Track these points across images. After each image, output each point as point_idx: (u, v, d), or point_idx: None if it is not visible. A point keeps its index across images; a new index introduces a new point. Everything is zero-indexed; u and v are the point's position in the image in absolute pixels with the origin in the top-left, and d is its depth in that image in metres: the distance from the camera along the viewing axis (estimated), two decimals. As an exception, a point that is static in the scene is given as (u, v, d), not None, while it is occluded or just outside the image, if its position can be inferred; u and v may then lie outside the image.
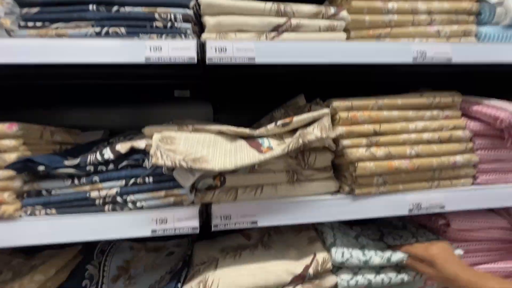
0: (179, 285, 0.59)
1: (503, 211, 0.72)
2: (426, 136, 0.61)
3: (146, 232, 0.53)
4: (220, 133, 0.60)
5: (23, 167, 0.51)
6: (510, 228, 0.70)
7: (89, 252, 0.73)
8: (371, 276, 0.62)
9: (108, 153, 0.54)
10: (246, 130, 0.59)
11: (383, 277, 0.62)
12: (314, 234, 0.69)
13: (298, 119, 0.57)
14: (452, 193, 0.62)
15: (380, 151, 0.58)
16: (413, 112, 0.61)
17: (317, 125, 0.55)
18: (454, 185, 0.63)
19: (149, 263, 0.76)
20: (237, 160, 0.52)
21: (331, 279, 0.60)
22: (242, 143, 0.58)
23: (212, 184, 0.57)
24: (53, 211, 0.53)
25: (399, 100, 0.61)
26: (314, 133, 0.53)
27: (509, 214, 0.72)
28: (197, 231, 0.54)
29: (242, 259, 0.64)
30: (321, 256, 0.61)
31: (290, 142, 0.52)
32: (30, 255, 0.71)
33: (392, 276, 0.63)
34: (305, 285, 0.59)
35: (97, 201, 0.54)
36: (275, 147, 0.54)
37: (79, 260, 0.71)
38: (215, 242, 0.76)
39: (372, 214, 0.59)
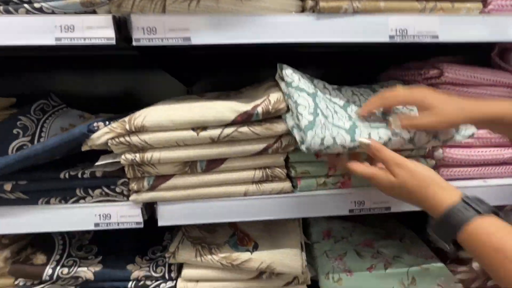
0: (102, 123, 0.51)
1: (505, 63, 0.58)
2: None
3: (48, 39, 0.43)
4: None
5: None
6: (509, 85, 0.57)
7: (25, 107, 0.66)
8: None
9: None
10: None
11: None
12: (275, 83, 0.58)
13: None
14: (451, 19, 0.48)
15: None
16: None
17: None
18: (457, 10, 0.48)
19: (96, 126, 0.69)
20: None
21: (284, 123, 0.51)
22: None
23: (133, -12, 0.44)
24: None
25: None
26: None
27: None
28: (113, 41, 0.44)
29: (185, 101, 0.54)
30: (274, 96, 0.50)
31: None
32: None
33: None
34: (252, 126, 0.50)
35: (-16, -1, 0.43)
36: None
37: (13, 112, 0.64)
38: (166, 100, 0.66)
39: (340, 38, 0.46)
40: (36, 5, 0.43)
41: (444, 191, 0.39)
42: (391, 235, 0.83)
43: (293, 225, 0.68)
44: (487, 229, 0.35)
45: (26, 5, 0.43)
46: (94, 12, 0.44)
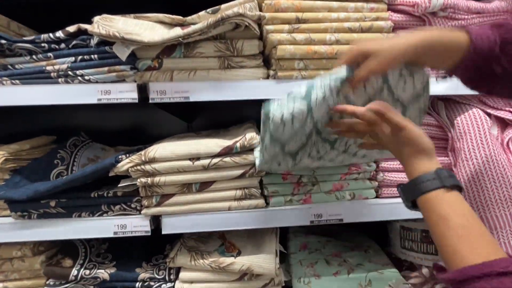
0: (125, 155, 0.69)
1: (432, 110, 0.77)
2: (347, 24, 0.66)
3: (92, 100, 0.63)
4: (160, 22, 0.67)
5: (-11, 40, 0.61)
6: (436, 125, 0.76)
7: (62, 143, 0.85)
8: None
9: (59, 33, 0.63)
10: (181, 17, 0.66)
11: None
12: (252, 125, 0.77)
13: (226, 5, 0.63)
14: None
15: (300, 36, 0.64)
16: (337, 2, 0.66)
17: (238, 6, 0.61)
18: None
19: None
20: (164, 35, 0.60)
21: (256, 154, 0.69)
22: (177, 28, 0.65)
23: (151, 65, 0.65)
24: (18, 81, 0.64)
25: (324, -9, 0.65)
26: (232, 9, 0.59)
27: (437, 113, 0.77)
28: (136, 101, 0.64)
29: (185, 139, 0.73)
30: (250, 134, 0.69)
31: (211, 19, 0.59)
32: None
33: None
34: (233, 157, 0.68)
35: (52, 74, 0.64)
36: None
37: (53, 147, 0.83)
38: (171, 137, 0.86)
39: (293, 96, 0.66)
40: (86, 77, 0.64)
41: (425, 161, 0.43)
42: (358, 247, 0.97)
43: (271, 236, 0.83)
44: (442, 199, 0.39)
45: (79, 78, 0.64)
46: (124, 81, 0.65)
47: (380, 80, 0.50)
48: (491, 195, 0.65)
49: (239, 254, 0.77)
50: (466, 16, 0.66)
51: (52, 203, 0.67)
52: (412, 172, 0.44)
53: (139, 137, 1.09)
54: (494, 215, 0.65)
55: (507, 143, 0.71)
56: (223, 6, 0.64)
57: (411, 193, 0.43)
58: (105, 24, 0.59)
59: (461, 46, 0.46)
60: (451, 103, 0.77)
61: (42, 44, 0.63)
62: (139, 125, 1.09)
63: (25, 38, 0.62)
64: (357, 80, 0.47)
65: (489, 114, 0.73)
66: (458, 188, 0.42)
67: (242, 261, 0.73)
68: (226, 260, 0.73)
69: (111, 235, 0.69)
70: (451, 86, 0.71)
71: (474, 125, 0.69)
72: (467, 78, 0.50)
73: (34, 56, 0.63)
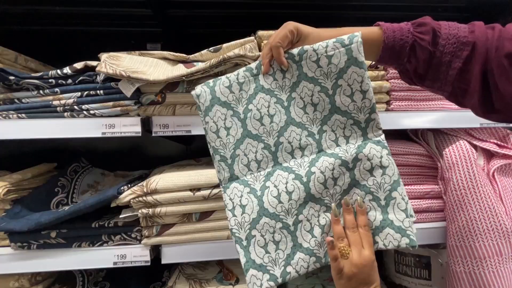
0: (127, 186, 0.71)
1: (422, 140, 0.81)
2: (341, 63, 0.70)
3: (97, 134, 0.65)
4: (164, 58, 0.71)
5: (-3, 76, 0.63)
6: (426, 155, 0.79)
7: (63, 170, 0.86)
8: None
9: (66, 69, 0.65)
10: (184, 55, 0.70)
11: None
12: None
13: (227, 44, 0.67)
14: (364, 115, 0.71)
15: (297, 74, 0.68)
16: (331, 43, 0.70)
17: (239, 48, 0.65)
18: (368, 109, 0.72)
19: (115, 183, 0.89)
20: (168, 74, 0.63)
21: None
22: (180, 65, 0.68)
23: (154, 99, 0.68)
24: (24, 115, 0.66)
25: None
26: (233, 51, 0.62)
27: (427, 143, 0.81)
28: (139, 134, 0.66)
29: (186, 169, 0.75)
30: (248, 165, 0.71)
31: (213, 59, 0.63)
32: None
33: None
34: (232, 187, 0.70)
35: (58, 108, 0.66)
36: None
37: (54, 174, 0.84)
38: (171, 165, 0.87)
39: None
40: (91, 111, 0.66)
41: None
42: (354, 271, 0.98)
43: (269, 263, 0.85)
44: None
45: (84, 112, 0.66)
46: (127, 114, 0.67)
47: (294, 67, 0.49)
48: (479, 225, 0.68)
49: (237, 282, 0.78)
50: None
51: (53, 234, 0.68)
52: None
53: (138, 159, 1.10)
54: (483, 244, 0.68)
55: (493, 173, 0.74)
56: (224, 45, 0.67)
57: None
58: (112, 63, 0.62)
59: (375, 41, 0.47)
60: (439, 134, 0.81)
61: (50, 80, 0.65)
62: (138, 147, 1.11)
63: (33, 75, 0.65)
64: (264, 63, 0.49)
65: (475, 146, 0.77)
66: None
67: (240, 290, 0.74)
68: (225, 289, 0.74)
69: (111, 266, 0.69)
70: (438, 119, 0.75)
71: (462, 157, 0.73)
72: (398, 70, 0.51)
73: (41, 91, 0.66)
